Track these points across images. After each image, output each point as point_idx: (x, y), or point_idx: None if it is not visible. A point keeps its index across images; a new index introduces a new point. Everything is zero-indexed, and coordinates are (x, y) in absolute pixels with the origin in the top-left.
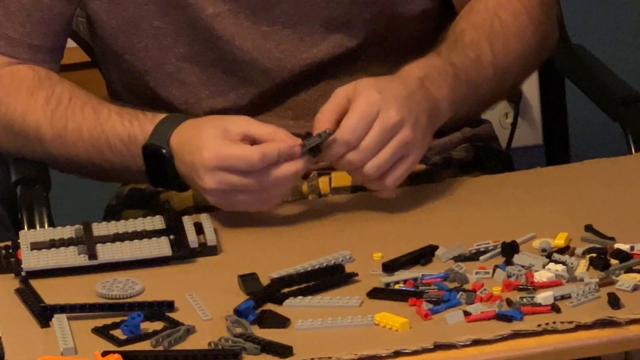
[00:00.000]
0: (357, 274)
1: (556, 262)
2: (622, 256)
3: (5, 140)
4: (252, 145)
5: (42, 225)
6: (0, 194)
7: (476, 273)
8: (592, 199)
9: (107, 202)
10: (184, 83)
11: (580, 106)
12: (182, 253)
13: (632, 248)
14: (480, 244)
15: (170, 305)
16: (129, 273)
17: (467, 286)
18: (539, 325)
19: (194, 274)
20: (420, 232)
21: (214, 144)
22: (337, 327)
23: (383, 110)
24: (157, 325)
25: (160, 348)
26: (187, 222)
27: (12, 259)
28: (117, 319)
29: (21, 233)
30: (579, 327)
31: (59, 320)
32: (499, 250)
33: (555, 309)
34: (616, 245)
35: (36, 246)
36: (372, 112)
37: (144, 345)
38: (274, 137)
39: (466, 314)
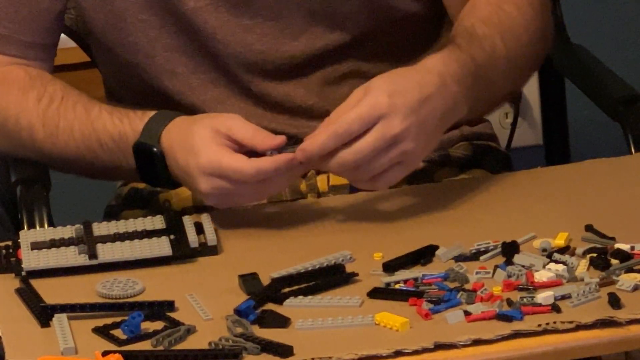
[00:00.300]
0: (357, 274)
1: (556, 262)
2: (623, 256)
3: None
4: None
5: (42, 226)
6: (0, 194)
7: (476, 273)
8: (592, 199)
9: (107, 202)
10: (174, 73)
11: (580, 106)
12: (183, 253)
13: (632, 248)
14: (480, 244)
15: (170, 305)
16: (129, 273)
17: (467, 286)
18: (540, 325)
19: (195, 274)
20: (421, 232)
21: (208, 149)
22: (338, 327)
23: (387, 117)
24: (158, 325)
25: (161, 348)
26: (188, 221)
27: (13, 259)
28: (118, 319)
29: (21, 233)
30: (580, 327)
31: (59, 320)
32: (499, 250)
33: (555, 308)
34: (616, 245)
35: (36, 246)
36: (373, 114)
37: (145, 345)
38: (253, 141)
39: (466, 313)
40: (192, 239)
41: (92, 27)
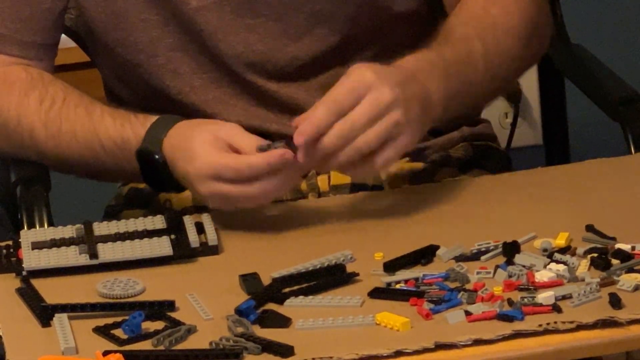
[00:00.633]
0: (358, 274)
1: (557, 262)
2: (623, 256)
3: (0, 141)
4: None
5: (42, 226)
6: (0, 194)
7: (477, 273)
8: (592, 199)
9: (107, 202)
10: (176, 73)
11: (580, 106)
12: (183, 253)
13: (633, 248)
14: (481, 244)
15: (171, 305)
16: (130, 272)
17: (468, 286)
18: (540, 325)
19: (195, 274)
20: (421, 231)
21: (206, 152)
22: (338, 327)
23: (376, 87)
24: (158, 324)
25: (161, 348)
26: (188, 221)
27: (13, 259)
28: (118, 319)
29: (22, 232)
30: (580, 327)
31: (60, 320)
32: (500, 250)
33: (556, 309)
34: (617, 245)
35: (37, 246)
36: (362, 85)
37: (145, 345)
38: (253, 150)
39: (467, 313)
40: (193, 238)
41: (93, 27)
